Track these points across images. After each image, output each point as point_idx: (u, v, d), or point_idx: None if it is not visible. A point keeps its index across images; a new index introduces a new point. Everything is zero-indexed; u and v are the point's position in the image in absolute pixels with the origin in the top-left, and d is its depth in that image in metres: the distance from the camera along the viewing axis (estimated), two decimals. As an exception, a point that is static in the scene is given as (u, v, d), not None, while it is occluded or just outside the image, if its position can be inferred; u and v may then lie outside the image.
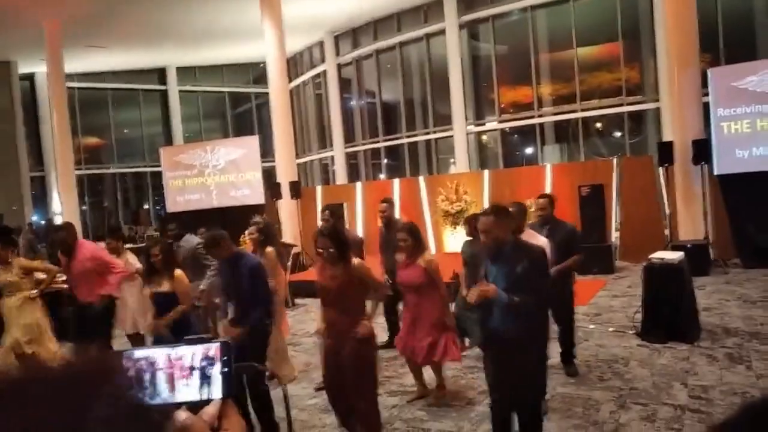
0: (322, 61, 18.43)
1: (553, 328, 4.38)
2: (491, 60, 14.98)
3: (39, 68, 18.18)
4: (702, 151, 8.61)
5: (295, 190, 11.83)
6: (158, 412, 0.53)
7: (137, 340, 5.49)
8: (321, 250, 3.44)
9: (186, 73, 21.58)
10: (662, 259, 5.61)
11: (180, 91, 21.58)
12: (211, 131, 22.58)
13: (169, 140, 20.91)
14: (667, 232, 9.19)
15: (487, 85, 15.44)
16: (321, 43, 18.29)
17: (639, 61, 13.66)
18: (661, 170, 9.30)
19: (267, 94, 13.80)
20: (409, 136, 16.67)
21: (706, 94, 8.97)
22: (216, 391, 0.69)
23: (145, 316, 4.56)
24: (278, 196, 11.87)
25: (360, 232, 11.35)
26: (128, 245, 6.64)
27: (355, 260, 3.47)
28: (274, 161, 13.22)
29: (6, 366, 4.45)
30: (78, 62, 17.38)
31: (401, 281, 4.27)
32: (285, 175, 12.33)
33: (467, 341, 4.92)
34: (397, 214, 6.64)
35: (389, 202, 5.98)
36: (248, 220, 5.82)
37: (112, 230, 6.08)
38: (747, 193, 8.45)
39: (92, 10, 13.74)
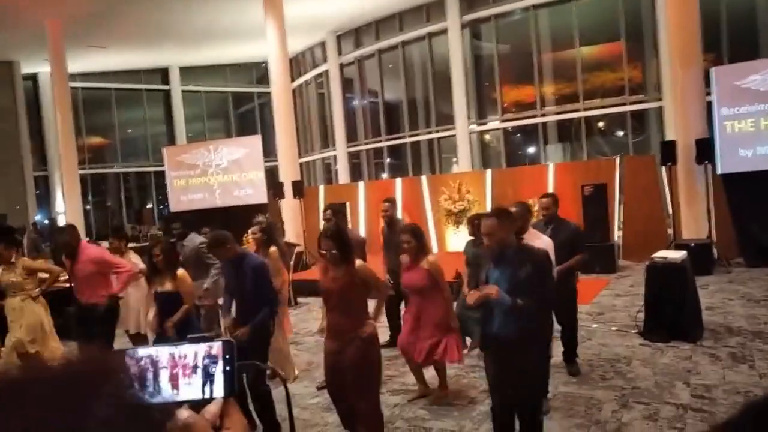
0: (325, 60, 18.43)
1: (556, 327, 4.39)
2: (494, 59, 14.96)
3: (42, 68, 18.22)
4: (705, 150, 8.58)
5: (298, 189, 11.83)
6: (159, 411, 0.53)
7: (140, 341, 5.50)
8: (324, 252, 3.45)
9: (189, 72, 21.61)
10: (665, 258, 5.59)
11: (183, 90, 21.62)
12: (214, 131, 22.61)
13: (172, 140, 20.95)
14: (670, 231, 9.17)
15: (489, 84, 15.42)
16: (323, 43, 18.29)
17: (642, 60, 13.63)
18: (663, 169, 9.28)
19: (269, 93, 13.82)
20: (411, 136, 16.66)
21: (709, 93, 8.94)
22: (218, 390, 0.70)
23: (151, 326, 4.57)
24: (281, 195, 11.88)
25: (362, 231, 11.35)
26: (131, 245, 6.63)
27: (358, 262, 3.48)
28: (276, 161, 13.24)
29: (8, 366, 4.46)
30: (81, 62, 17.43)
31: (405, 284, 4.29)
32: (288, 175, 12.34)
33: (468, 340, 4.92)
34: (399, 214, 6.63)
35: (391, 201, 5.98)
36: (251, 219, 5.84)
37: (115, 230, 6.09)
38: (751, 192, 8.43)
39: (93, 9, 13.76)
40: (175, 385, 0.69)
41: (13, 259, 5.00)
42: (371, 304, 3.62)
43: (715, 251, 8.52)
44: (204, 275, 5.28)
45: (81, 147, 17.64)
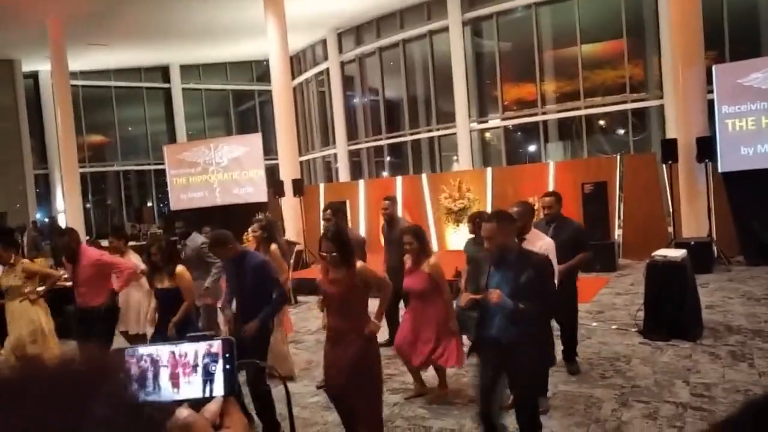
0: (325, 58, 18.42)
1: (555, 326, 4.39)
2: (495, 57, 14.95)
3: (42, 66, 18.22)
4: (706, 148, 8.58)
5: (298, 187, 11.83)
6: (158, 410, 0.53)
7: (139, 342, 5.51)
8: (324, 255, 3.46)
9: (189, 70, 21.60)
10: (665, 256, 5.59)
11: (183, 88, 21.61)
12: (215, 129, 22.61)
13: (172, 138, 20.95)
14: (670, 229, 9.17)
15: (490, 82, 15.40)
16: (324, 41, 18.27)
17: (643, 58, 13.61)
18: (664, 167, 9.27)
19: (270, 91, 13.80)
20: (412, 134, 16.65)
21: (711, 91, 8.93)
22: (218, 389, 0.70)
23: (150, 320, 4.58)
24: (281, 193, 11.88)
25: (363, 229, 11.36)
26: (132, 243, 6.63)
27: (359, 263, 3.48)
28: (277, 159, 13.23)
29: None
30: (81, 60, 17.42)
31: (406, 287, 4.30)
32: (288, 173, 12.34)
33: (465, 338, 4.93)
34: (399, 212, 6.63)
35: (392, 199, 5.98)
36: (251, 217, 5.84)
37: (115, 229, 6.09)
38: (752, 191, 8.43)
39: (93, 8, 13.76)
40: (175, 384, 0.69)
41: (12, 261, 4.99)
42: (371, 304, 3.62)
43: (715, 250, 8.52)
44: (205, 275, 5.29)
45: (81, 145, 17.65)
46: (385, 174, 17.42)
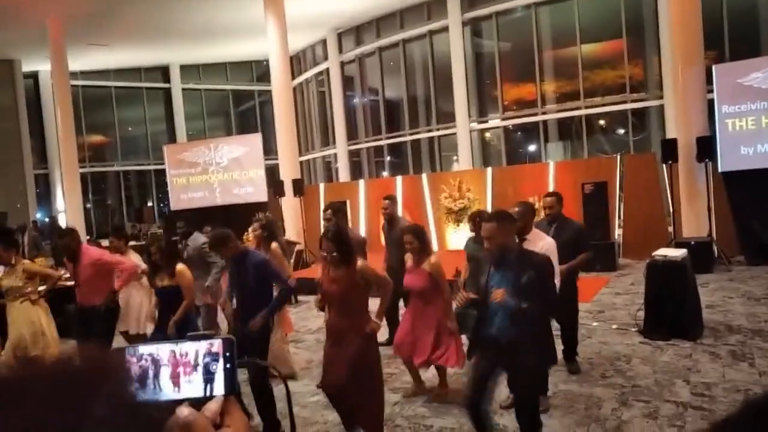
0: (325, 58, 18.43)
1: (555, 326, 4.39)
2: (494, 57, 14.95)
3: (43, 66, 18.23)
4: (706, 148, 8.58)
5: (298, 187, 11.84)
6: (158, 410, 0.53)
7: (140, 342, 5.51)
8: (325, 254, 3.47)
9: (189, 70, 21.61)
10: (665, 256, 5.59)
11: (183, 88, 21.62)
12: (215, 129, 22.62)
13: (172, 138, 20.96)
14: (670, 229, 9.17)
15: (490, 82, 15.41)
16: (324, 41, 18.28)
17: (643, 58, 13.61)
18: (664, 167, 9.28)
19: (270, 91, 13.81)
20: (412, 134, 16.66)
21: (711, 91, 8.93)
22: (219, 388, 0.70)
23: (150, 316, 4.60)
24: (281, 193, 11.89)
25: (363, 229, 11.36)
26: (132, 243, 6.64)
27: (360, 261, 3.48)
28: (277, 159, 13.24)
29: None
30: (81, 60, 17.43)
31: (407, 285, 4.30)
32: (288, 173, 12.34)
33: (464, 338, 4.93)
34: (399, 212, 6.63)
35: (391, 198, 5.98)
36: (251, 217, 5.84)
37: (115, 230, 6.10)
38: (752, 190, 8.43)
39: (93, 8, 13.76)
40: (176, 383, 0.69)
41: (13, 261, 4.99)
42: (371, 304, 3.63)
43: (715, 249, 8.52)
44: (206, 274, 5.30)
45: (81, 145, 17.66)
46: (385, 174, 17.43)
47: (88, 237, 12.57)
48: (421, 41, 16.24)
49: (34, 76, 19.65)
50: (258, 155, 12.65)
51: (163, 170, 13.98)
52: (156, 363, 0.69)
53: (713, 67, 9.03)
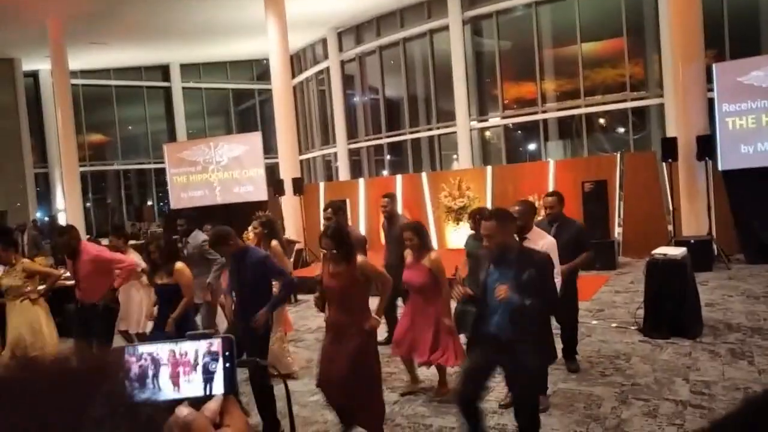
0: (325, 57, 18.41)
1: (554, 325, 4.39)
2: (495, 56, 14.94)
3: (43, 65, 18.23)
4: (706, 146, 8.58)
5: (298, 186, 11.83)
6: (157, 410, 0.53)
7: (140, 341, 5.51)
8: (325, 251, 3.48)
9: (189, 69, 21.60)
10: (665, 254, 5.60)
11: (183, 87, 21.62)
12: (215, 128, 22.62)
13: (172, 137, 20.96)
14: (670, 227, 9.17)
15: (490, 80, 15.40)
16: (324, 40, 18.27)
17: (643, 57, 13.61)
18: (664, 166, 9.28)
19: (270, 90, 13.80)
20: (412, 132, 16.65)
21: (711, 90, 8.93)
22: (218, 387, 0.70)
23: (150, 315, 4.61)
24: (281, 192, 11.89)
25: (363, 228, 11.36)
26: (132, 242, 6.63)
27: (360, 258, 3.49)
28: (277, 158, 13.24)
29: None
30: (81, 59, 17.42)
31: (406, 281, 4.30)
32: (288, 172, 12.34)
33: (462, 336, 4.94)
34: (399, 210, 6.63)
35: (391, 196, 5.98)
36: (251, 216, 5.85)
37: (115, 228, 6.11)
38: (752, 189, 8.42)
39: (93, 7, 13.76)
40: (175, 383, 0.70)
41: (13, 260, 4.99)
42: (371, 302, 3.63)
43: (715, 248, 8.52)
44: (207, 272, 5.31)
45: (81, 144, 17.66)
46: (385, 173, 17.42)
47: (88, 236, 12.57)
48: (422, 40, 16.23)
49: (34, 75, 19.65)
50: (258, 154, 12.65)
51: (163, 169, 13.97)
52: (155, 362, 0.70)
53: (713, 65, 9.02)
